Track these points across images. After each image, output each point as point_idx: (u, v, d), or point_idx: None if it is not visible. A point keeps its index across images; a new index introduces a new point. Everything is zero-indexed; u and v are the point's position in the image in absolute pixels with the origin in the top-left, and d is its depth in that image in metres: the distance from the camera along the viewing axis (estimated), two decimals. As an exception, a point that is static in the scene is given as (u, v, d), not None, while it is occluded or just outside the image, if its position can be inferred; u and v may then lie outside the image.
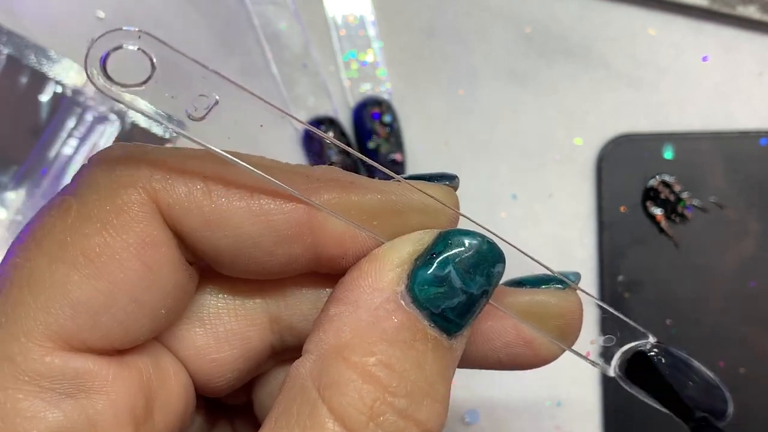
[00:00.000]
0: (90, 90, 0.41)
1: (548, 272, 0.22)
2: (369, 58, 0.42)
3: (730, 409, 0.24)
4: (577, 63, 0.42)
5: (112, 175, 0.18)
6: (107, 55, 0.17)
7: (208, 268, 0.21)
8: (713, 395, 0.24)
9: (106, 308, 0.17)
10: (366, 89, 0.42)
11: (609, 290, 0.40)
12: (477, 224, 0.20)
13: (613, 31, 0.42)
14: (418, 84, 0.42)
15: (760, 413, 0.39)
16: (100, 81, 0.17)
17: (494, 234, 0.20)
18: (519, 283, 0.22)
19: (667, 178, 0.40)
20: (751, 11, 0.41)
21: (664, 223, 0.40)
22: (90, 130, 0.41)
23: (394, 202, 0.20)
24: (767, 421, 0.39)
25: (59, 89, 0.41)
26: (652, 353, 0.23)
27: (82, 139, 0.41)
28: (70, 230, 0.18)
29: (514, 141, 0.42)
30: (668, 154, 0.41)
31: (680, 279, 0.40)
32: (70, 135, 0.41)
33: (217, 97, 0.18)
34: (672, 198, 0.40)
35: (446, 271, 0.18)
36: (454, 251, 0.19)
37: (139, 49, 0.17)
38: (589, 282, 0.41)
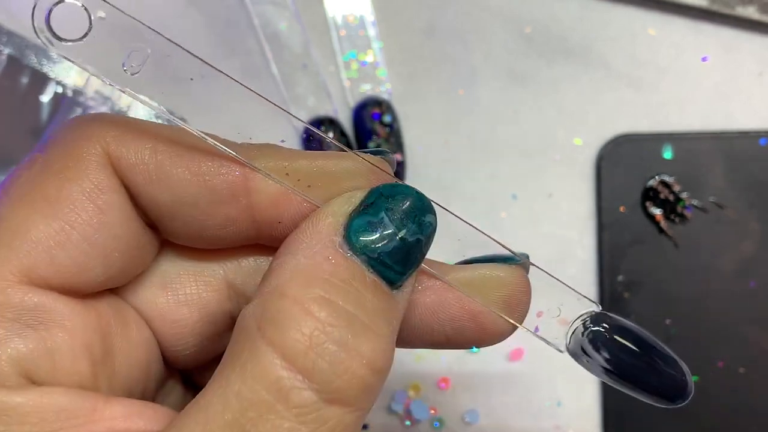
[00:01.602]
0: (90, 90, 0.41)
1: (497, 253, 0.23)
2: (369, 58, 0.42)
3: (690, 384, 0.24)
4: (577, 63, 0.42)
5: (74, 133, 0.20)
6: (50, 10, 0.18)
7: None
8: (672, 369, 0.23)
9: (61, 246, 0.19)
10: (366, 89, 0.42)
11: (608, 290, 0.40)
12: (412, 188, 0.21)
13: (613, 32, 0.42)
14: (418, 84, 0.42)
15: (760, 413, 0.39)
16: (45, 36, 0.18)
17: (439, 205, 0.22)
18: (468, 262, 0.23)
19: (666, 178, 0.41)
20: (751, 11, 0.41)
21: (663, 223, 0.40)
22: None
23: (327, 166, 0.21)
24: (767, 421, 0.39)
25: (60, 89, 0.41)
26: (604, 329, 0.23)
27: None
28: (33, 178, 0.20)
29: (514, 141, 0.42)
30: (668, 154, 0.41)
31: (680, 279, 0.40)
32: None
33: (149, 51, 0.20)
34: (671, 198, 0.40)
35: (379, 217, 0.19)
36: (385, 199, 0.20)
37: (82, 6, 0.19)
38: (588, 282, 0.41)
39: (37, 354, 0.19)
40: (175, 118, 0.20)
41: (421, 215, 0.20)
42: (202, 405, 0.18)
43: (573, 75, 0.42)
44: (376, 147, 0.41)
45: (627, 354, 0.23)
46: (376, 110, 0.41)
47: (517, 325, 0.23)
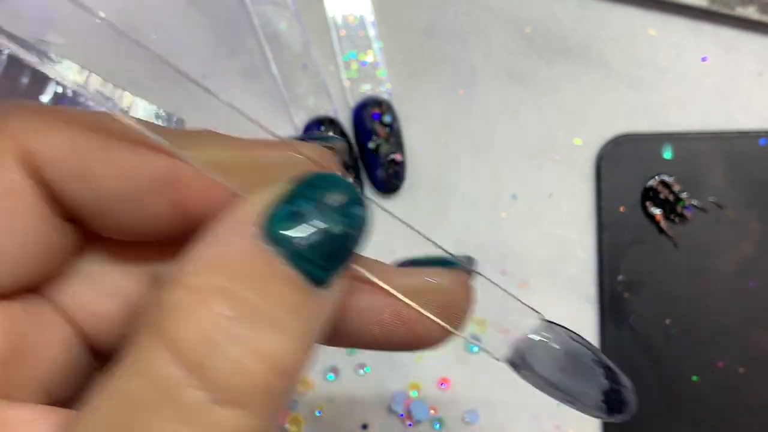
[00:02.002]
0: (91, 90, 0.41)
1: (441, 256, 0.22)
2: (369, 58, 0.42)
3: (632, 399, 0.23)
4: (577, 63, 0.42)
5: None
6: None
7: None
8: (614, 383, 0.23)
9: None
10: (366, 89, 0.42)
11: (608, 290, 0.40)
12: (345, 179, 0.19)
13: (613, 32, 0.42)
14: (418, 84, 0.42)
15: (760, 413, 0.39)
16: None
17: (376, 203, 0.20)
18: (410, 262, 0.22)
19: (666, 178, 0.41)
20: (750, 11, 0.41)
21: (663, 223, 0.40)
22: (91, 130, 0.41)
23: (262, 157, 0.20)
24: (767, 421, 0.39)
25: (60, 89, 0.41)
26: (544, 339, 0.22)
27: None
28: None
29: (514, 141, 0.42)
30: (668, 154, 0.41)
31: (679, 279, 0.40)
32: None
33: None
34: (671, 198, 0.40)
35: (303, 207, 0.17)
36: (311, 189, 0.18)
37: None
38: (588, 282, 0.41)
39: None
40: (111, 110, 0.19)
41: (350, 207, 0.18)
42: (90, 407, 0.16)
43: (573, 75, 0.42)
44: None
45: (569, 365, 0.22)
46: (376, 110, 0.41)
47: (455, 332, 0.21)
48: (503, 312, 0.22)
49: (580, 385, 0.22)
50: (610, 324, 0.40)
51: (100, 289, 0.21)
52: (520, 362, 0.23)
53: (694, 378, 0.40)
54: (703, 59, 0.42)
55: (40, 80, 0.41)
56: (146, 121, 0.19)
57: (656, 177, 0.41)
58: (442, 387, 0.40)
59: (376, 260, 0.21)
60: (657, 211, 0.40)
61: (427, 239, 0.22)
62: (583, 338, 0.23)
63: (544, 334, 0.22)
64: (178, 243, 0.20)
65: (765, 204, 0.40)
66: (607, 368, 0.23)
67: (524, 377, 0.23)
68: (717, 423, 0.39)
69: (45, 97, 0.41)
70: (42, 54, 0.44)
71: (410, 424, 0.40)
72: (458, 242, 0.41)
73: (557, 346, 0.22)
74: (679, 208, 0.40)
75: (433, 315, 0.21)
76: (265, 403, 0.16)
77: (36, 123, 0.19)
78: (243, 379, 0.16)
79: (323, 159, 0.20)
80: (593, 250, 0.41)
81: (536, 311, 0.22)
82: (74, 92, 0.41)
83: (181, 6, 0.42)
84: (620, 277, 0.40)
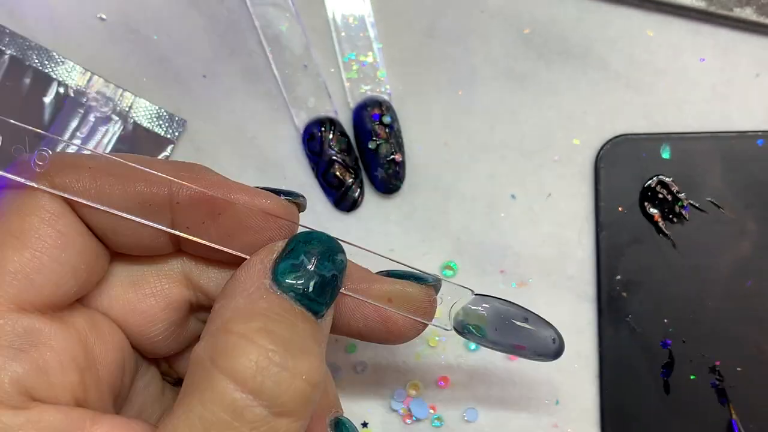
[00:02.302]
0: (92, 91, 0.41)
1: (414, 271, 0.28)
2: (369, 59, 0.42)
3: (561, 343, 0.30)
4: (575, 64, 0.42)
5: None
6: None
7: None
8: (545, 332, 0.29)
9: (37, 271, 0.22)
10: (366, 90, 0.42)
11: (607, 289, 0.40)
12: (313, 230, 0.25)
13: (612, 33, 0.43)
14: (417, 84, 0.42)
15: (759, 412, 0.40)
16: None
17: (347, 242, 0.26)
18: (389, 273, 0.28)
19: (664, 178, 0.41)
20: (748, 13, 0.41)
21: (661, 223, 0.41)
22: (93, 130, 0.41)
23: (248, 223, 0.25)
24: (766, 421, 0.40)
25: (62, 90, 0.41)
26: (482, 308, 0.29)
27: (85, 140, 0.41)
28: None
29: (514, 141, 0.42)
30: (666, 154, 0.41)
31: (678, 278, 0.40)
32: (73, 136, 0.41)
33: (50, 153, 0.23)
34: (670, 198, 0.41)
35: (300, 259, 0.23)
36: (303, 245, 0.24)
37: None
38: (587, 281, 0.41)
39: (33, 373, 0.21)
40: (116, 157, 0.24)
41: (333, 255, 0.24)
42: (170, 429, 0.21)
43: (572, 76, 0.42)
44: (376, 147, 0.41)
45: (499, 325, 0.29)
46: (376, 111, 0.41)
47: (426, 323, 0.28)
48: (444, 294, 0.29)
49: (512, 339, 0.29)
50: (608, 323, 0.40)
51: (141, 290, 0.26)
52: (461, 328, 0.29)
53: (692, 377, 0.40)
54: (701, 60, 0.42)
55: (43, 81, 0.41)
56: (141, 157, 0.25)
57: (655, 177, 0.41)
58: (441, 385, 0.41)
59: (364, 268, 0.28)
60: (655, 211, 0.41)
61: (402, 264, 0.29)
62: (511, 302, 0.29)
63: (482, 304, 0.29)
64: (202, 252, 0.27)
65: (763, 204, 0.40)
66: (538, 321, 0.29)
67: (469, 339, 0.29)
68: (715, 422, 0.40)
69: (47, 98, 0.41)
70: (44, 55, 0.44)
71: (409, 422, 0.40)
72: (458, 242, 0.41)
73: (485, 313, 0.29)
74: (677, 208, 0.41)
75: (404, 311, 0.27)
76: (307, 409, 0.22)
77: (64, 166, 0.23)
78: (292, 395, 0.21)
79: (288, 213, 0.26)
80: (592, 249, 0.41)
81: (468, 288, 0.29)
82: (76, 93, 0.41)
83: (182, 7, 0.42)
84: (619, 277, 0.40)
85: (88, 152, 0.25)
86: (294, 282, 0.23)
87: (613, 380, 0.40)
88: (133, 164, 0.24)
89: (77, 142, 0.41)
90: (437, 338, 0.41)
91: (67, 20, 0.42)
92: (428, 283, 0.28)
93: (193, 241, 0.25)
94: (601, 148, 0.41)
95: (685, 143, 0.41)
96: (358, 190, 0.41)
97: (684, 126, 0.42)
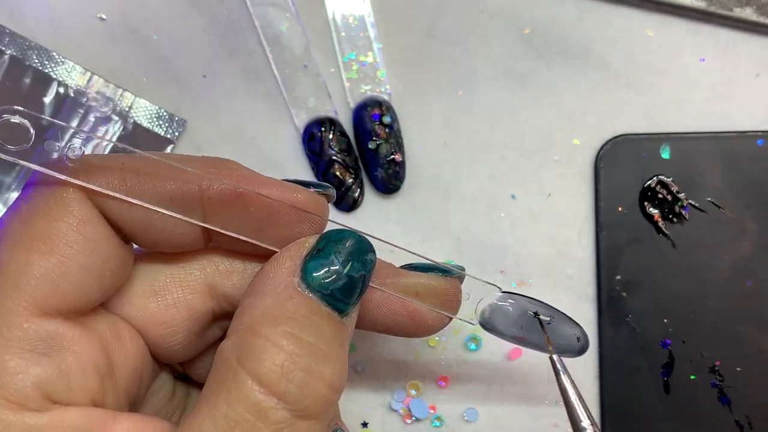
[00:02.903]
0: (92, 91, 0.41)
1: (439, 263, 0.28)
2: (369, 59, 0.42)
3: (586, 339, 0.31)
4: (575, 64, 0.42)
5: (48, 177, 0.23)
6: None
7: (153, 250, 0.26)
8: (570, 329, 0.30)
9: (62, 276, 0.22)
10: (366, 90, 0.42)
11: (607, 289, 0.40)
12: (347, 227, 0.25)
13: (612, 33, 0.43)
14: (417, 84, 0.42)
15: (758, 412, 0.40)
16: None
17: (371, 236, 0.25)
18: (412, 267, 0.28)
19: (664, 178, 0.41)
20: (748, 13, 0.41)
21: (661, 223, 0.41)
22: (93, 130, 0.41)
23: (278, 214, 0.25)
24: (765, 420, 0.40)
25: (62, 90, 0.41)
26: (509, 304, 0.30)
27: (85, 140, 0.41)
28: (24, 222, 0.22)
29: (514, 141, 0.42)
30: (666, 154, 0.41)
31: (678, 278, 0.40)
32: (73, 136, 0.41)
33: (84, 150, 0.23)
34: (669, 198, 0.41)
35: (329, 259, 0.23)
36: (333, 243, 0.24)
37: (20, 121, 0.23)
38: (587, 281, 0.41)
39: (54, 377, 0.22)
40: (142, 152, 0.24)
41: (363, 255, 0.24)
42: (195, 426, 0.21)
43: (572, 76, 0.42)
44: (376, 147, 0.41)
45: (524, 322, 0.29)
46: (376, 111, 0.41)
47: (452, 316, 0.28)
48: (472, 290, 0.29)
49: (537, 336, 0.30)
50: (608, 323, 0.40)
51: (164, 300, 0.26)
52: (487, 324, 0.30)
53: (692, 377, 0.40)
54: (701, 60, 0.42)
55: (43, 81, 0.41)
56: (169, 154, 0.24)
57: (655, 177, 0.41)
58: (441, 385, 0.41)
59: (389, 263, 0.27)
60: (655, 211, 0.41)
61: (421, 256, 0.28)
62: (537, 300, 0.30)
63: (508, 300, 0.30)
64: (219, 254, 0.27)
65: (763, 204, 0.40)
66: (564, 319, 0.30)
67: (494, 334, 0.30)
68: (715, 422, 0.40)
69: (47, 98, 0.41)
70: (44, 55, 0.44)
71: (409, 422, 0.41)
72: (458, 242, 0.41)
73: (511, 309, 0.29)
74: (677, 208, 0.41)
75: (431, 308, 0.27)
76: (327, 412, 0.22)
77: (92, 167, 0.23)
78: (314, 399, 0.22)
79: (318, 206, 0.26)
80: (592, 249, 0.41)
81: (497, 286, 0.30)
82: (76, 93, 0.41)
83: (182, 7, 0.42)
84: (618, 277, 0.40)
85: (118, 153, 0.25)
86: (323, 282, 0.23)
87: (613, 380, 0.40)
88: (164, 160, 0.24)
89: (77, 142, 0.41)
90: (437, 338, 0.41)
91: (67, 20, 0.42)
92: (453, 275, 0.28)
93: (224, 235, 0.25)
94: (601, 148, 0.41)
95: (685, 143, 0.41)
96: (358, 190, 0.41)
97: (684, 126, 0.42)
